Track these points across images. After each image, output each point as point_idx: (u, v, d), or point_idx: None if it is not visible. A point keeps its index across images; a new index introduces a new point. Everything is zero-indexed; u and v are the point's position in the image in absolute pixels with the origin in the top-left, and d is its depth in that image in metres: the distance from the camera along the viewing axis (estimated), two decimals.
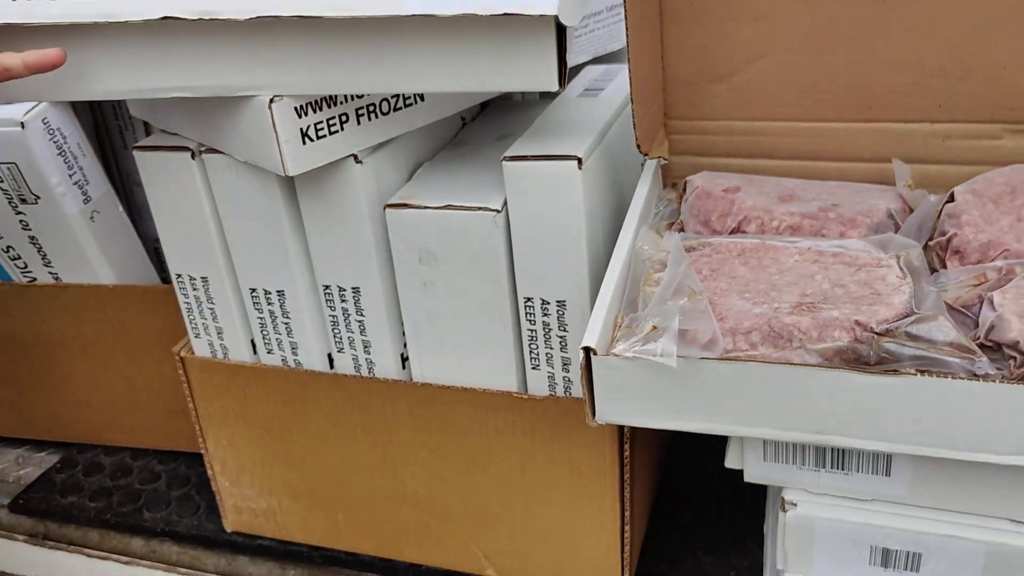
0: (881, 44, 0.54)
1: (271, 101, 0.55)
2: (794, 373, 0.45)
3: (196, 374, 0.73)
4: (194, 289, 0.70)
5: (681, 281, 0.49)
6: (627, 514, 0.66)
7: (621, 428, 0.63)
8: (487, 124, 0.74)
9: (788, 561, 0.53)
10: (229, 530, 0.80)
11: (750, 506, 0.78)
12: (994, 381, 0.42)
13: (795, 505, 0.51)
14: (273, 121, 0.55)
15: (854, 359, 0.45)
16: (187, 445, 0.89)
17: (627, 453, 0.63)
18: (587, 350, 0.47)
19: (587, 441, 0.64)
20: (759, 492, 0.79)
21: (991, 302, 0.46)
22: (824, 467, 0.51)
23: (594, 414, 0.49)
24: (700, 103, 0.60)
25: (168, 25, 0.54)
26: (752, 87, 0.59)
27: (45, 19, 0.55)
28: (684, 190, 0.60)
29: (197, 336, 0.72)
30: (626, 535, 0.67)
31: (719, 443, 0.53)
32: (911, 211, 0.55)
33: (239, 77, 0.56)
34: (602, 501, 0.66)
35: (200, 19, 0.53)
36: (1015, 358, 0.43)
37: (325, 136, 0.58)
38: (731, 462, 0.53)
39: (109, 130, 0.87)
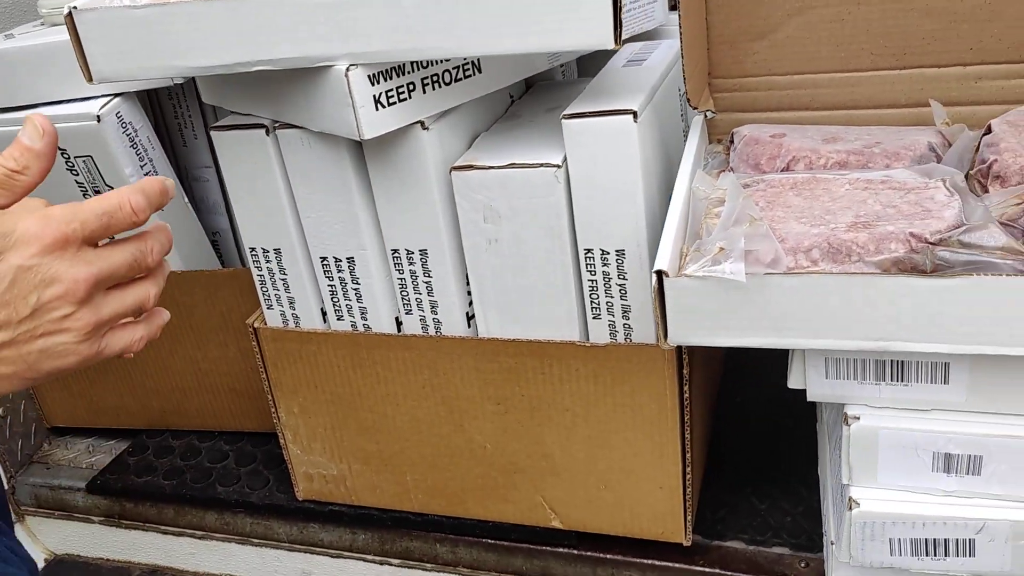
0: None
1: (347, 69, 0.59)
2: (856, 282, 0.48)
3: (269, 344, 0.76)
4: (267, 261, 0.74)
5: (741, 211, 0.53)
6: (688, 456, 0.69)
7: (680, 371, 0.66)
8: (534, 100, 0.78)
9: (853, 475, 0.56)
10: (301, 498, 0.83)
11: (794, 458, 0.81)
12: None
13: (858, 418, 0.55)
14: (350, 88, 0.59)
15: (910, 268, 0.49)
16: (252, 425, 0.93)
17: (687, 394, 0.67)
18: (659, 273, 0.51)
19: (648, 385, 0.67)
20: (802, 443, 0.82)
21: None
22: (884, 380, 0.54)
23: (667, 336, 0.53)
24: (742, 60, 0.64)
25: (252, 2, 0.58)
26: (791, 42, 0.63)
27: (137, 2, 0.59)
28: (731, 141, 0.64)
29: (270, 307, 0.76)
30: (688, 478, 0.70)
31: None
32: (950, 145, 0.59)
33: (317, 48, 0.60)
34: (663, 444, 0.69)
35: None
36: None
37: (395, 103, 0.62)
38: (794, 382, 0.57)
39: (169, 128, 0.92)
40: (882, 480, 0.56)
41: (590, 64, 0.87)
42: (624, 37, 0.76)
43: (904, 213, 0.51)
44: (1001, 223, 0.51)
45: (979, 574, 0.55)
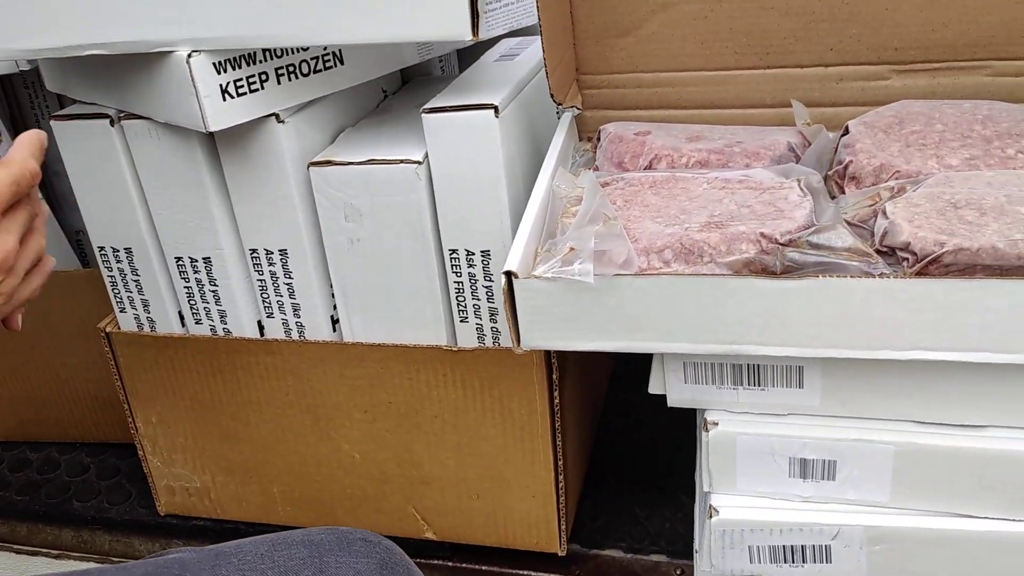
0: None
1: (189, 56, 0.56)
2: (705, 284, 0.47)
3: (123, 349, 0.72)
4: (118, 262, 0.69)
5: (596, 209, 0.51)
6: (560, 463, 0.67)
7: (550, 376, 0.64)
8: (408, 95, 0.75)
9: (713, 481, 0.55)
10: (163, 513, 0.79)
11: (679, 465, 0.80)
12: (890, 278, 0.45)
13: (716, 424, 0.54)
14: (192, 76, 0.56)
15: (761, 269, 0.47)
16: (116, 436, 0.88)
17: (557, 400, 0.65)
18: (508, 275, 0.48)
19: (517, 390, 0.65)
20: (688, 451, 0.81)
21: (884, 212, 0.49)
22: (742, 385, 0.53)
23: (519, 341, 0.50)
24: (609, 57, 0.63)
25: None
26: (656, 39, 0.62)
27: None
28: (598, 139, 0.62)
29: (123, 311, 0.71)
30: (560, 485, 0.68)
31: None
32: (810, 145, 0.58)
33: (155, 32, 0.56)
34: (535, 451, 0.67)
35: None
36: (908, 259, 0.46)
37: (245, 94, 0.59)
38: (654, 387, 0.55)
39: (25, 118, 0.86)
40: (741, 487, 0.54)
41: (471, 59, 0.84)
42: (498, 32, 0.74)
43: (757, 213, 0.50)
44: (853, 224, 0.50)
45: None
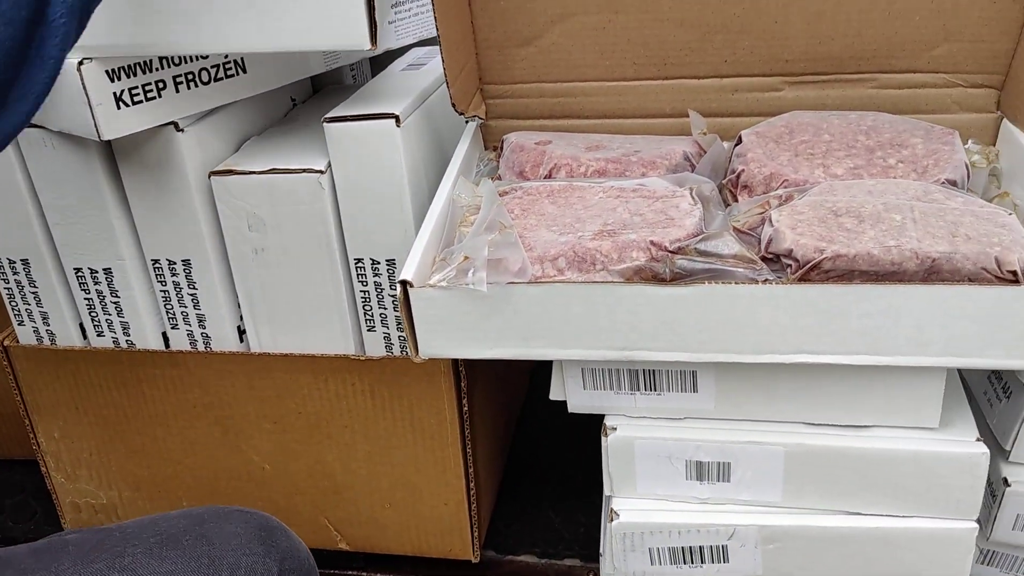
0: (666, 2, 0.59)
1: (80, 63, 0.55)
2: (596, 291, 0.48)
3: (22, 363, 0.70)
4: (15, 273, 0.67)
5: (493, 218, 0.51)
6: (472, 470, 0.68)
7: (458, 383, 0.64)
8: (317, 104, 0.75)
9: (614, 485, 0.56)
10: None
11: (594, 471, 0.81)
12: (773, 284, 0.46)
13: (615, 429, 0.54)
14: (84, 84, 0.55)
15: (652, 276, 0.48)
16: (20, 452, 0.85)
17: (466, 407, 0.65)
18: (404, 284, 0.48)
19: (426, 397, 0.65)
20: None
21: (770, 220, 0.50)
22: (639, 390, 0.54)
23: (417, 350, 0.51)
24: (511, 67, 0.64)
25: None
26: (556, 49, 0.62)
27: None
28: (501, 148, 0.63)
29: (21, 323, 0.69)
30: (472, 492, 0.69)
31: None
32: (705, 154, 0.59)
33: None
34: (445, 459, 0.67)
35: None
36: (791, 265, 0.48)
37: (142, 102, 0.58)
38: (555, 394, 0.56)
39: None
40: (641, 490, 0.55)
41: (384, 68, 0.84)
42: (408, 41, 0.74)
43: (649, 221, 0.51)
44: (743, 232, 0.52)
45: None
